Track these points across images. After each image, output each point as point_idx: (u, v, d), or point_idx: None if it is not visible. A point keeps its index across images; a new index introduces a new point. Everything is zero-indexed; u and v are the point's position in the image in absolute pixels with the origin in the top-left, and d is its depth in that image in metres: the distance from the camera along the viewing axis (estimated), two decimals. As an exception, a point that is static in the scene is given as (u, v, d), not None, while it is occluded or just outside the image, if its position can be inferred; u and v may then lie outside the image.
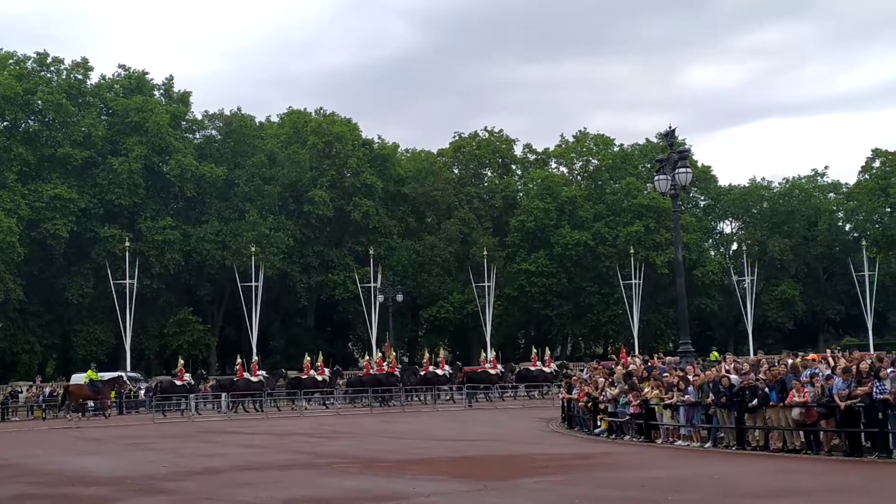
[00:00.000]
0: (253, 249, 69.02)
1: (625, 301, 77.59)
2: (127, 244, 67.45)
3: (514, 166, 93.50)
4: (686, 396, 23.61)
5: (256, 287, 67.91)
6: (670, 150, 32.57)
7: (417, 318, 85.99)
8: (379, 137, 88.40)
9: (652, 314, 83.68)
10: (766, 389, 21.29)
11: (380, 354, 61.61)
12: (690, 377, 24.30)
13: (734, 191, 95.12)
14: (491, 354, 61.53)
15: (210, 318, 79.13)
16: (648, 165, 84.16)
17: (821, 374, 21.29)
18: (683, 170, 30.69)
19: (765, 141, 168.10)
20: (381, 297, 67.96)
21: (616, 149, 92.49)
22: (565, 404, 33.36)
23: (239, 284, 68.50)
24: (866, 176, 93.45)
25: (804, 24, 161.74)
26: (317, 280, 79.52)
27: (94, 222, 72.17)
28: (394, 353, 60.23)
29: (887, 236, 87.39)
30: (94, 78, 77.66)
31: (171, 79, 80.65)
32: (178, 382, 52.29)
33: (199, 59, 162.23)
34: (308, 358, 55.93)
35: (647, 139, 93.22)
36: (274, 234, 75.12)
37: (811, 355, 24.31)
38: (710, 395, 22.78)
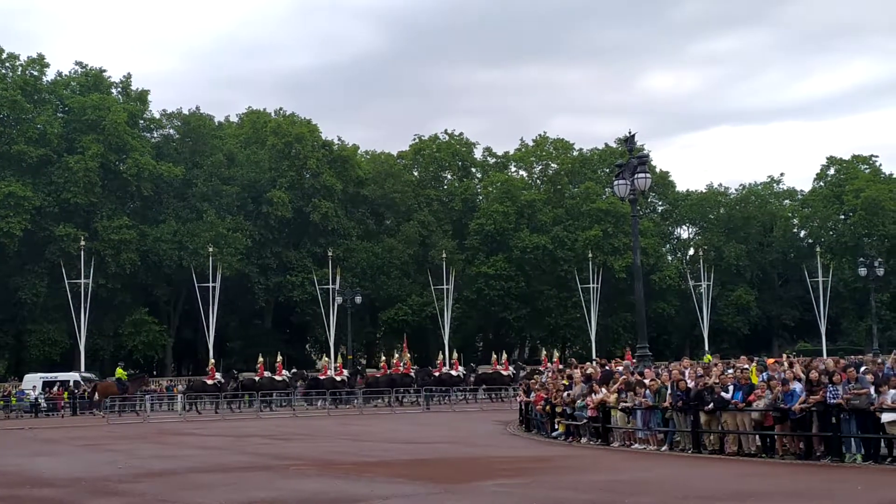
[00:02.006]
0: (210, 250, 68.53)
1: (583, 305, 78.02)
2: (82, 243, 66.72)
3: (473, 169, 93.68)
4: (643, 399, 23.77)
5: (214, 288, 67.43)
6: (629, 156, 32.77)
7: (376, 320, 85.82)
8: (339, 139, 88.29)
9: (609, 318, 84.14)
10: (727, 394, 21.47)
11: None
12: (647, 381, 24.46)
13: (692, 196, 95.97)
14: (454, 356, 61.73)
15: (166, 319, 78.45)
16: (607, 170, 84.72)
17: (778, 377, 21.48)
18: (642, 175, 30.89)
19: (722, 147, 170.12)
20: (339, 299, 67.79)
21: (575, 153, 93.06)
22: (523, 407, 33.48)
23: (196, 285, 67.94)
24: (821, 183, 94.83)
25: (760, 32, 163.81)
26: (275, 281, 79.10)
27: (48, 221, 71.25)
28: (408, 355, 61.20)
29: (841, 243, 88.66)
30: (50, 74, 76.91)
31: (128, 77, 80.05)
32: (209, 381, 52.77)
33: (157, 57, 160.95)
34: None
35: (607, 144, 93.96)
36: (232, 234, 74.61)
37: (769, 360, 24.54)
38: (668, 398, 22.96)
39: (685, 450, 22.40)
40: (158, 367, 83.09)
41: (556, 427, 28.03)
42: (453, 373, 55.68)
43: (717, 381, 22.27)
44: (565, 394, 27.57)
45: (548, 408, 28.69)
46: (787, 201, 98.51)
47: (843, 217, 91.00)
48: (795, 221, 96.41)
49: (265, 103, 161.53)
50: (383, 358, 59.35)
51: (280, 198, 77.50)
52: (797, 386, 20.26)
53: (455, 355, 61.85)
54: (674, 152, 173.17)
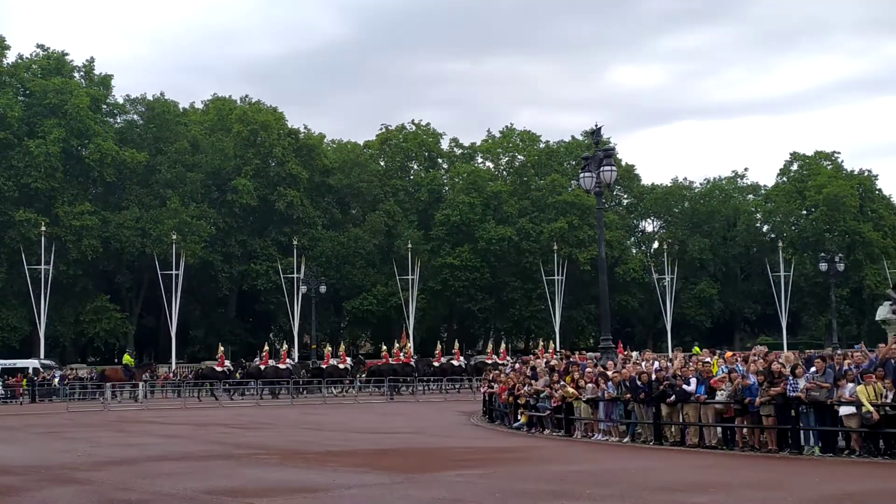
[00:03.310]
0: (174, 237, 68.02)
1: (547, 297, 78.29)
2: (43, 229, 65.98)
3: (440, 160, 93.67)
4: (606, 391, 23.89)
5: (177, 275, 66.94)
6: (596, 148, 32.85)
7: (340, 309, 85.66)
8: (305, 127, 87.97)
9: (574, 310, 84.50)
10: (689, 386, 21.63)
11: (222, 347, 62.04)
12: (610, 373, 24.58)
13: (656, 190, 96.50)
14: (454, 346, 62.21)
15: (128, 307, 77.77)
16: (573, 163, 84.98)
17: (738, 370, 21.66)
18: (608, 168, 30.96)
19: (687, 142, 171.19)
20: (304, 288, 67.54)
21: (542, 145, 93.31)
22: (486, 398, 33.55)
23: (159, 272, 67.44)
24: (784, 178, 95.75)
25: (725, 28, 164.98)
26: (239, 269, 78.69)
27: (8, 205, 70.34)
28: (410, 344, 62.09)
29: (803, 238, 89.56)
30: (10, 57, 75.91)
31: (91, 61, 79.02)
32: (219, 368, 53.38)
33: (121, 42, 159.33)
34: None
35: (573, 136, 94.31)
36: (196, 222, 74.05)
37: (728, 353, 24.72)
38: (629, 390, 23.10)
39: (647, 441, 22.56)
40: (120, 354, 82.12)
41: (519, 418, 28.11)
42: (454, 362, 55.97)
43: (679, 373, 22.43)
44: (526, 387, 27.67)
45: (511, 399, 28.78)
46: (750, 196, 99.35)
47: (805, 212, 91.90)
48: (758, 216, 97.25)
49: (231, 90, 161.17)
50: (384, 347, 60.27)
51: (245, 186, 77.04)
52: (753, 379, 20.49)
53: (456, 345, 62.41)
54: (639, 146, 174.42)
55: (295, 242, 72.78)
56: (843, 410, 18.66)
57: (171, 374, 61.88)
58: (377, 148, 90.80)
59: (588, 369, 26.04)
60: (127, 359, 55.15)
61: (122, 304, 76.41)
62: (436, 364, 56.25)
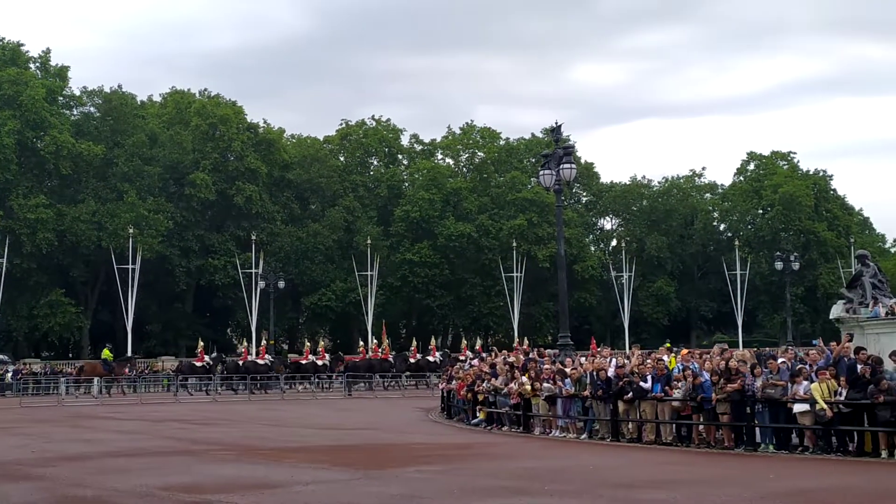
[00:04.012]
0: (131, 231, 67.24)
1: (506, 293, 78.45)
2: (-3, 221, 64.98)
3: (400, 156, 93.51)
4: (563, 388, 24.00)
5: (133, 270, 66.14)
6: (555, 146, 33.02)
7: (299, 305, 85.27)
8: (264, 122, 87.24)
9: (532, 307, 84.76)
10: (646, 383, 21.81)
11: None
12: (568, 370, 24.71)
13: (615, 188, 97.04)
14: (431, 342, 62.61)
15: (83, 301, 76.82)
16: (533, 160, 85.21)
17: (692, 368, 21.86)
18: (568, 166, 31.15)
19: (646, 140, 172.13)
20: (262, 283, 67.19)
21: (502, 142, 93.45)
22: (445, 394, 33.59)
23: (115, 266, 66.59)
24: (741, 178, 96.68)
25: (685, 28, 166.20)
26: (196, 264, 78.05)
27: (-38, 198, 69.27)
28: (387, 340, 62.87)
29: (759, 237, 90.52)
30: (-36, 47, 74.53)
31: (48, 52, 77.90)
32: (198, 364, 53.63)
33: (78, 33, 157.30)
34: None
35: (533, 134, 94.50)
36: (153, 216, 73.31)
37: (683, 350, 24.95)
38: (587, 387, 23.23)
39: (604, 438, 22.71)
40: (74, 349, 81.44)
41: (478, 414, 28.17)
42: (430, 358, 56.25)
43: (636, 370, 22.61)
44: (485, 383, 27.72)
45: (469, 395, 28.83)
46: (707, 195, 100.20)
47: (761, 212, 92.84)
48: (716, 215, 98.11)
49: (189, 84, 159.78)
50: (361, 343, 61.73)
51: (203, 180, 76.43)
52: (706, 377, 20.72)
53: (433, 341, 62.82)
54: (599, 144, 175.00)
55: (253, 237, 72.31)
56: (798, 408, 18.92)
57: (126, 370, 61.30)
58: (337, 143, 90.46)
59: (545, 366, 26.17)
60: (106, 353, 54.94)
61: (77, 299, 75.49)
62: (412, 360, 56.73)
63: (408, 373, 56.16)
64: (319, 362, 54.90)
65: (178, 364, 57.60)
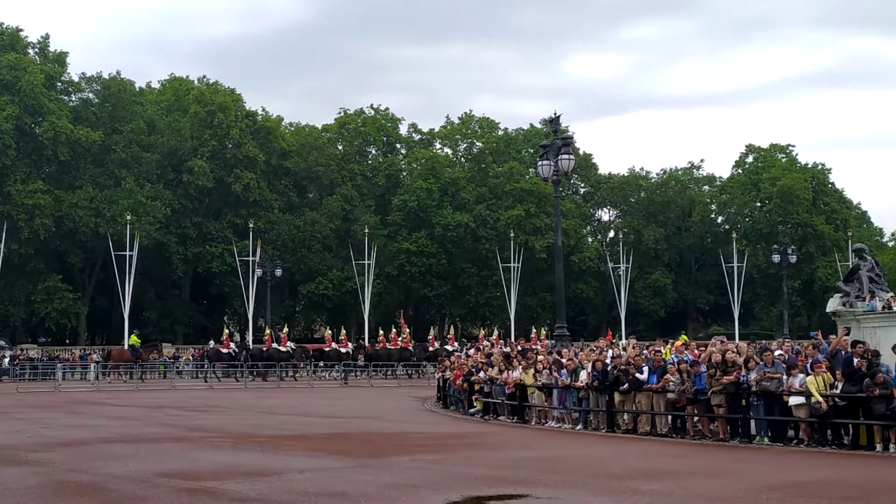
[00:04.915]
0: (128, 218, 67.10)
1: (503, 284, 78.44)
2: (-6, 207, 64.89)
3: (398, 145, 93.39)
4: (560, 379, 24.05)
5: (131, 256, 66.06)
6: (554, 137, 33.01)
7: (296, 293, 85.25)
8: (263, 110, 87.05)
9: (529, 298, 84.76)
10: (641, 375, 21.86)
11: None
12: (564, 360, 24.75)
13: (613, 179, 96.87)
14: (450, 331, 63.36)
15: (81, 287, 76.73)
16: (531, 150, 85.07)
17: (687, 360, 21.92)
18: (566, 156, 31.13)
19: (644, 132, 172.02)
20: (259, 271, 67.19)
21: (500, 133, 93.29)
22: (441, 384, 33.65)
23: (112, 253, 66.50)
24: (739, 170, 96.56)
25: (683, 20, 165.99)
26: (194, 252, 77.98)
27: (-41, 183, 69.13)
28: (408, 329, 64.14)
29: (756, 230, 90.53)
30: (-38, 32, 74.30)
31: (46, 37, 77.71)
32: (224, 350, 55.40)
33: (77, 19, 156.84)
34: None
35: (531, 124, 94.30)
36: (151, 203, 73.22)
37: (678, 342, 25.03)
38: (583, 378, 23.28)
39: (599, 429, 22.77)
40: (72, 335, 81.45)
41: (474, 404, 28.23)
42: (448, 347, 56.74)
43: (632, 362, 22.65)
44: (481, 373, 27.78)
45: (465, 385, 28.88)
46: (706, 187, 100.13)
47: (759, 204, 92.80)
48: (713, 207, 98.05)
49: (188, 71, 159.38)
50: (381, 332, 63.40)
51: (201, 167, 76.32)
52: (703, 369, 20.78)
53: (451, 330, 63.39)
54: (597, 135, 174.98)
55: (251, 225, 72.25)
56: (793, 401, 18.98)
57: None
58: (335, 132, 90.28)
59: (541, 357, 26.23)
60: (134, 339, 56.31)
61: (74, 285, 75.44)
62: (431, 349, 57.40)
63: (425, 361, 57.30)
64: (343, 350, 56.79)
65: (206, 350, 58.87)
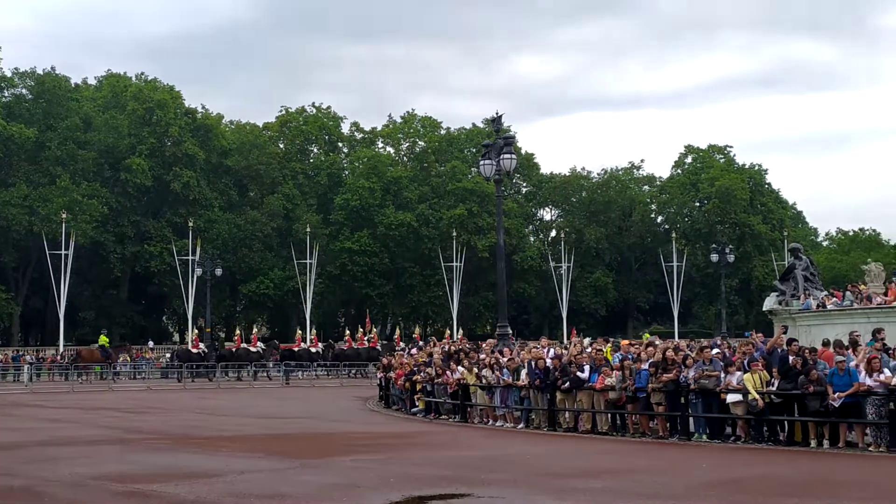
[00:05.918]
0: (64, 216, 65.94)
1: (445, 283, 78.53)
2: (-76, 205, 63.35)
3: (340, 144, 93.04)
4: (502, 378, 24.08)
5: (66, 255, 64.95)
6: (496, 136, 33.05)
7: (236, 293, 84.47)
8: (203, 107, 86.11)
9: (471, 297, 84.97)
10: (583, 373, 21.97)
11: (196, 330, 62.38)
12: (505, 359, 24.79)
13: (555, 179, 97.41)
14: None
15: (14, 287, 75.19)
16: (474, 150, 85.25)
17: (630, 358, 22.07)
18: (508, 156, 31.18)
19: (586, 132, 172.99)
20: (199, 271, 66.41)
21: (443, 132, 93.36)
22: (383, 383, 33.53)
23: (47, 252, 65.27)
24: (678, 171, 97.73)
25: (622, 22, 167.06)
26: (132, 251, 76.88)
27: None
28: (375, 330, 65.20)
29: (695, 229, 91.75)
30: None
31: (-22, 32, 76.15)
32: (194, 350, 55.05)
33: (9, 14, 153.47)
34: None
35: (474, 124, 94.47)
36: (87, 201, 72.01)
37: (623, 341, 25.18)
38: (524, 376, 23.33)
39: (541, 427, 22.84)
40: (4, 336, 79.83)
41: (417, 404, 28.17)
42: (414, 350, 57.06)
43: (574, 360, 22.75)
44: (423, 372, 27.73)
45: (408, 384, 28.81)
46: (646, 187, 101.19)
47: (697, 204, 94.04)
48: (653, 207, 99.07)
49: (126, 68, 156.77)
50: (347, 332, 63.72)
51: (139, 165, 75.27)
52: (644, 367, 20.96)
53: (417, 330, 63.65)
54: (539, 135, 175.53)
55: (191, 224, 71.39)
56: (731, 398, 19.20)
57: (59, 357, 60.37)
58: (276, 130, 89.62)
59: (483, 356, 26.25)
60: (102, 339, 55.41)
61: (7, 285, 73.87)
62: (398, 349, 57.54)
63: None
64: (313, 350, 57.43)
65: (175, 351, 58.62)
